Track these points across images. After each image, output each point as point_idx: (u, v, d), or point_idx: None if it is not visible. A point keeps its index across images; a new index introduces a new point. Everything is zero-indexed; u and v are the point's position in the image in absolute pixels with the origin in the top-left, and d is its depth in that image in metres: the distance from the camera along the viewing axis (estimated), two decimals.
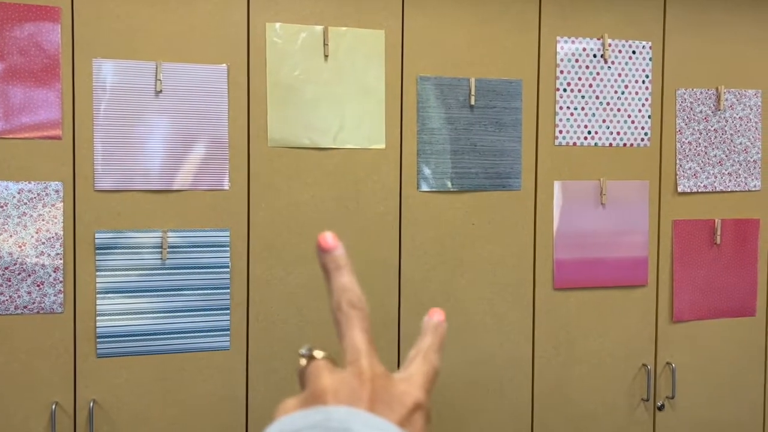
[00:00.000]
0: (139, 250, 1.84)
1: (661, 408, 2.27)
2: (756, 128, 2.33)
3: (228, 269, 1.90)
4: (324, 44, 1.95)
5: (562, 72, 2.15)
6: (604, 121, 2.19)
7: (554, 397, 2.19)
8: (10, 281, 1.75)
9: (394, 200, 2.03)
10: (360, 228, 2.00)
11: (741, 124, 2.32)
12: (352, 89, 1.98)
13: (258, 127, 1.91)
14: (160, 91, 1.84)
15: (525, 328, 2.16)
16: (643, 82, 2.23)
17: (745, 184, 2.33)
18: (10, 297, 1.76)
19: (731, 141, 2.31)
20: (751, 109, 2.33)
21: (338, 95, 1.97)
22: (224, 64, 1.88)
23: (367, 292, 1.92)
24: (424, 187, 2.05)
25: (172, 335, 1.87)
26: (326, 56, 1.95)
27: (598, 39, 2.18)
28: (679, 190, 2.26)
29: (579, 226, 2.18)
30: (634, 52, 2.21)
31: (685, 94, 2.26)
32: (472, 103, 2.08)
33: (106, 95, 1.80)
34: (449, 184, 2.07)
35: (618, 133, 2.21)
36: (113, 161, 1.81)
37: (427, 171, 2.05)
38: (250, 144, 1.91)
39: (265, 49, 1.91)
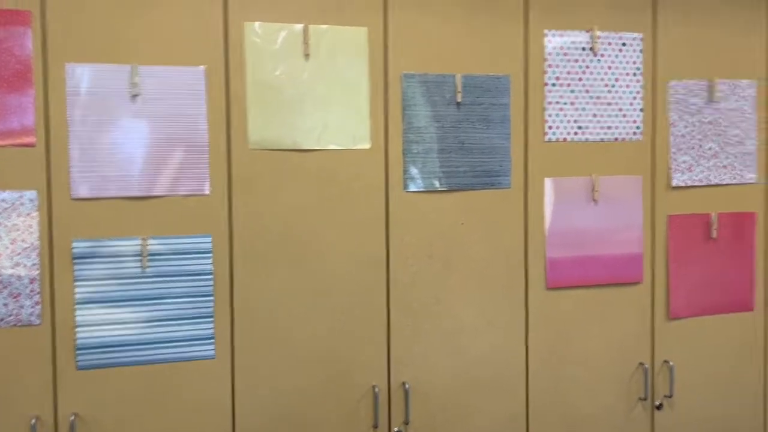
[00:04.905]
0: (119, 259, 1.79)
1: (659, 407, 2.22)
2: (751, 119, 2.28)
3: (211, 276, 1.85)
4: (304, 43, 1.89)
5: (550, 66, 2.10)
6: (594, 115, 2.14)
7: (550, 398, 2.14)
8: None
9: (381, 201, 1.98)
10: (346, 230, 1.95)
11: (735, 116, 2.27)
12: (335, 88, 1.93)
13: (238, 130, 1.86)
14: (137, 94, 1.79)
15: (518, 328, 2.11)
16: (635, 74, 2.17)
17: (741, 176, 2.28)
18: None
19: (726, 133, 2.26)
20: (746, 100, 2.28)
21: (321, 95, 1.92)
22: (202, 66, 1.83)
23: (355, 293, 1.87)
24: (412, 188, 2.00)
25: (154, 345, 1.82)
26: (307, 55, 1.90)
27: (587, 31, 2.12)
28: (674, 184, 2.21)
29: (571, 223, 2.13)
30: (624, 44, 2.16)
31: (677, 85, 2.21)
32: (459, 100, 2.03)
33: (80, 100, 1.75)
34: (437, 183, 2.02)
35: (609, 128, 2.15)
36: (90, 168, 1.76)
37: (414, 171, 2.00)
38: (230, 147, 1.86)
39: (244, 49, 1.85)
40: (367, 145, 1.96)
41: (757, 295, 2.32)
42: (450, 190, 2.04)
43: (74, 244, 1.76)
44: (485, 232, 2.07)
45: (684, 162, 2.22)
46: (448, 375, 2.05)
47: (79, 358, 1.77)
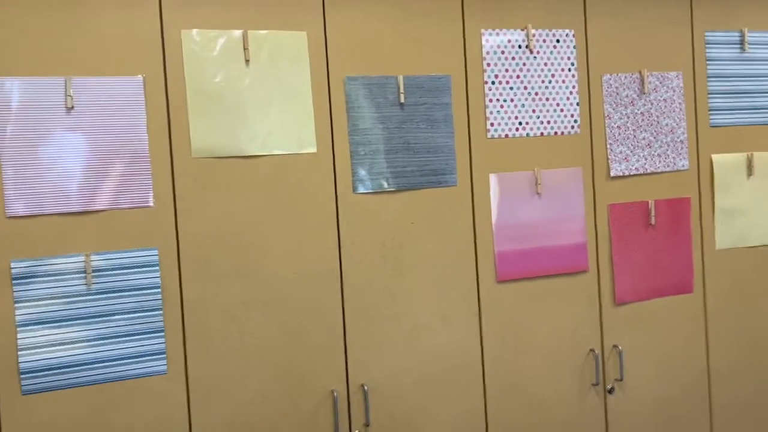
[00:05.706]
0: (62, 277, 1.73)
1: (611, 391, 2.29)
2: (680, 109, 2.39)
3: (159, 289, 1.80)
4: (244, 48, 1.88)
5: (489, 65, 2.15)
6: (534, 111, 2.20)
7: (506, 389, 2.18)
8: None
9: (330, 204, 1.98)
10: (296, 235, 1.94)
11: (665, 106, 2.37)
12: (278, 93, 1.92)
13: (180, 139, 1.83)
14: (72, 107, 1.73)
15: (472, 323, 2.14)
16: (569, 69, 2.25)
17: (674, 164, 2.38)
18: None
19: (658, 123, 2.36)
20: (674, 91, 2.38)
21: (263, 100, 1.90)
22: (140, 75, 1.79)
23: (309, 299, 1.85)
24: (361, 189, 2.01)
25: (103, 364, 1.76)
26: (247, 61, 1.89)
27: (522, 30, 2.18)
28: (612, 174, 2.29)
29: (517, 217, 2.18)
30: (558, 41, 2.23)
31: (610, 79, 2.29)
32: (402, 101, 2.05)
33: (12, 115, 1.69)
34: (385, 184, 2.04)
35: (548, 122, 2.22)
36: (25, 185, 1.70)
37: (362, 172, 2.01)
38: (173, 156, 1.82)
39: (182, 57, 1.83)
40: (313, 149, 1.96)
41: (695, 277, 2.42)
42: (398, 190, 2.06)
43: (13, 264, 1.69)
44: (435, 230, 2.09)
45: (621, 152, 2.31)
46: (406, 374, 2.06)
47: (24, 382, 1.70)
